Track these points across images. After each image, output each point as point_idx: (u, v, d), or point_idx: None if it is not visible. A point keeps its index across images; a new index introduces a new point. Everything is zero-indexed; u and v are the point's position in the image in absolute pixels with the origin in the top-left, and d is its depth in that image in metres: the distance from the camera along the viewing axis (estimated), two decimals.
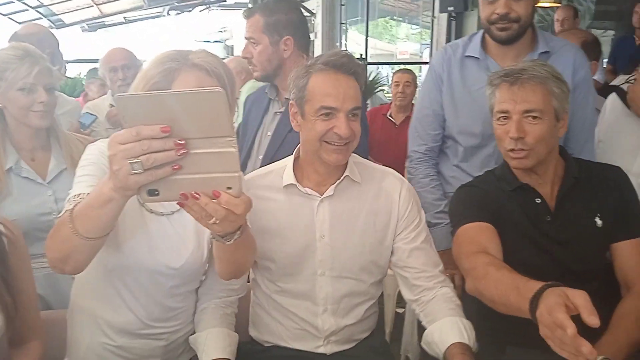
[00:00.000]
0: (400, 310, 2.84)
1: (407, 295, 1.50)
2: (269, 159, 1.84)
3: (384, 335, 1.74)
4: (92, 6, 9.19)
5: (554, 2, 2.90)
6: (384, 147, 3.73)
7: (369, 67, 6.63)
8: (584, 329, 0.97)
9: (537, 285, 1.09)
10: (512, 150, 1.44)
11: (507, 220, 1.49)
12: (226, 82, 1.25)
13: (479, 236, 1.43)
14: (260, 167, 1.83)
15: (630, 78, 1.78)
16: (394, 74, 4.19)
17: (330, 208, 1.45)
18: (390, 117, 3.95)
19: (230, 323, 1.46)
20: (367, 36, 6.50)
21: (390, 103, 4.07)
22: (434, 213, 1.83)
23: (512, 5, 1.67)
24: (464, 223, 1.47)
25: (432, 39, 6.55)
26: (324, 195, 1.45)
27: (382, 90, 7.73)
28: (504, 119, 1.45)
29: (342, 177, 1.45)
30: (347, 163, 1.45)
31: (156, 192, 0.87)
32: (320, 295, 1.47)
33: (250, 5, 12.72)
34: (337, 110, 1.35)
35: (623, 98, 1.91)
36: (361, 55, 6.30)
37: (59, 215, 1.15)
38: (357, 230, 1.46)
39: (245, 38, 1.92)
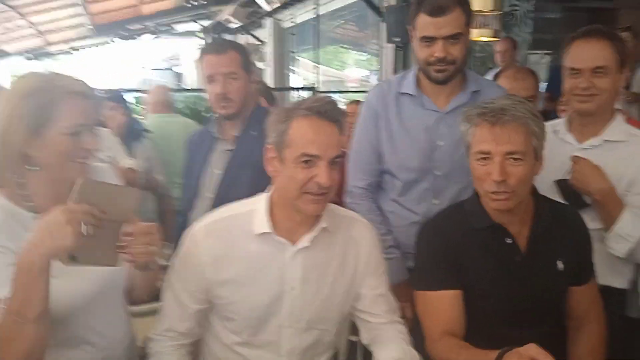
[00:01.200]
0: (354, 339, 2.85)
1: (365, 339, 1.51)
2: (220, 197, 1.84)
3: None
4: (38, 36, 8.96)
5: (493, 37, 3.06)
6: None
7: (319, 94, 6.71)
8: None
9: (494, 354, 1.22)
10: (493, 192, 1.42)
11: (473, 260, 1.50)
12: None
13: (445, 312, 1.48)
14: (213, 205, 1.83)
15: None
16: (347, 105, 4.26)
17: (303, 259, 1.40)
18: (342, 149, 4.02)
19: None
20: (317, 68, 6.59)
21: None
22: (384, 248, 1.85)
23: (449, 49, 1.74)
24: (430, 289, 1.50)
25: (380, 66, 6.72)
26: (298, 246, 1.39)
27: None
28: (484, 159, 1.43)
29: (317, 228, 1.40)
30: None
31: (76, 257, 1.09)
32: (285, 348, 1.43)
33: (201, 35, 12.66)
34: (319, 158, 1.30)
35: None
36: (313, 84, 6.37)
37: None
38: (328, 281, 1.43)
39: (220, 74, 1.90)
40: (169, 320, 1.43)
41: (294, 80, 10.00)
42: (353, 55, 11.37)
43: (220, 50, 1.91)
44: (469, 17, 1.77)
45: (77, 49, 11.59)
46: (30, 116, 1.18)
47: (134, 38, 11.03)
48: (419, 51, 1.80)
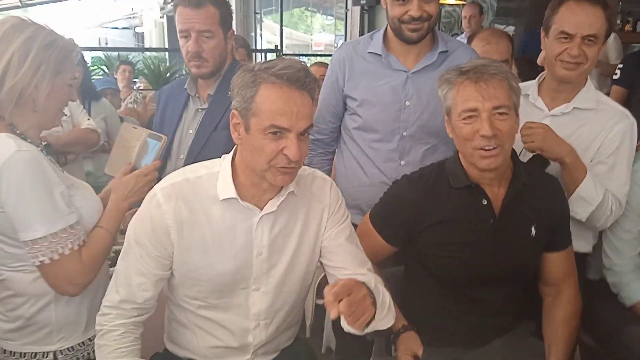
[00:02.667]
0: (320, 302, 2.86)
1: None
2: (192, 159, 1.75)
3: (304, 334, 1.72)
4: None
5: (460, 0, 3.01)
6: None
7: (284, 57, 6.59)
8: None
9: None
10: (482, 149, 1.41)
11: (450, 220, 1.50)
12: None
13: (375, 251, 1.56)
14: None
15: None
16: (310, 66, 4.18)
17: (269, 224, 1.35)
18: None
19: (138, 350, 1.36)
20: (281, 26, 6.43)
21: None
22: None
23: (424, 6, 1.70)
24: (377, 231, 1.58)
25: (345, 30, 6.63)
26: (264, 212, 1.33)
27: None
28: (470, 117, 1.41)
29: (285, 193, 1.34)
30: None
31: None
32: (252, 311, 1.39)
33: None
34: (288, 130, 1.21)
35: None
36: (276, 45, 6.23)
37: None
38: (293, 242, 1.38)
39: (194, 30, 1.76)
40: (126, 291, 1.32)
41: (259, 44, 9.78)
42: (319, 19, 11.20)
43: (198, 3, 1.74)
44: None
45: (29, 5, 11.02)
46: (53, 64, 1.33)
47: None
48: (392, 9, 1.75)
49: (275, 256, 1.37)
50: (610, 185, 1.71)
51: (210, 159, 1.40)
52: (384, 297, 1.34)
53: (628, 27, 5.77)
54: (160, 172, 1.88)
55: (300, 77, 1.21)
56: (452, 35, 5.14)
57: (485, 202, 1.50)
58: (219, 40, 1.79)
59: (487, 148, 1.40)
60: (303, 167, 1.39)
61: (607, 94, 3.71)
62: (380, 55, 1.83)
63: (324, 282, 2.67)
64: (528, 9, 5.93)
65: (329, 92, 1.93)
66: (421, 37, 1.76)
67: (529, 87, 1.85)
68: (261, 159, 1.24)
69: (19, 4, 10.42)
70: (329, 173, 1.97)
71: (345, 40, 6.66)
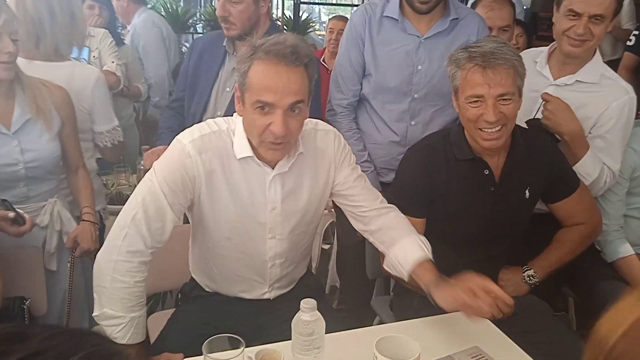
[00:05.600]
0: (326, 247, 3.07)
1: (357, 226, 1.58)
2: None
3: (311, 270, 1.91)
4: None
5: None
6: (316, 89, 3.83)
7: (302, 5, 6.56)
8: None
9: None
10: (485, 130, 1.50)
11: (455, 188, 1.62)
12: None
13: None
14: None
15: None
16: (329, 20, 4.22)
17: (282, 182, 1.45)
18: (323, 63, 4.04)
19: (142, 295, 1.40)
20: None
21: (324, 48, 4.14)
22: (360, 162, 1.96)
23: None
24: (402, 212, 1.58)
25: None
26: (276, 171, 1.43)
27: (314, 28, 7.69)
28: (476, 102, 1.50)
29: (295, 155, 1.43)
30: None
31: None
32: (269, 254, 1.52)
33: None
34: (273, 106, 1.27)
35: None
36: None
37: None
38: (304, 196, 1.49)
39: None
40: (143, 233, 1.36)
41: None
42: None
43: None
44: None
45: None
46: None
47: None
48: None
49: (289, 210, 1.48)
50: (607, 159, 1.83)
51: None
52: (427, 246, 1.50)
53: None
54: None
55: (287, 54, 1.25)
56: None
57: (487, 172, 1.62)
58: (247, 4, 1.87)
59: (489, 130, 1.50)
60: (308, 121, 1.47)
61: (619, 60, 3.77)
62: (397, 19, 1.92)
63: (330, 228, 2.86)
64: None
65: (354, 53, 1.98)
66: (430, 9, 1.86)
67: (539, 54, 1.95)
68: (253, 133, 1.33)
69: None
70: (360, 139, 2.03)
71: None
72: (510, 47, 1.52)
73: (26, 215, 1.64)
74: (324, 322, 1.19)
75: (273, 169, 1.44)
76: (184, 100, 2.10)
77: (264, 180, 1.44)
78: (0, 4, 1.59)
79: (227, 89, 1.96)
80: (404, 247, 1.48)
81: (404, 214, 1.58)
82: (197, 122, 1.72)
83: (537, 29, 4.64)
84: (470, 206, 1.64)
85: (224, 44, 1.99)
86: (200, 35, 5.64)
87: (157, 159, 1.44)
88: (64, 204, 1.88)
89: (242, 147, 1.40)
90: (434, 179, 1.63)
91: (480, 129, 1.53)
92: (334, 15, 4.50)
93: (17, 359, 0.33)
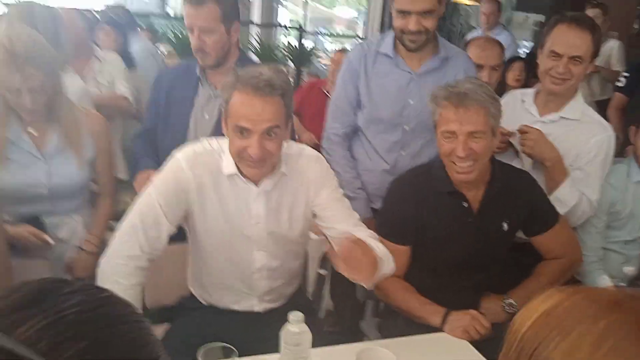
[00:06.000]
0: (323, 272, 3.15)
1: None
2: None
3: (306, 294, 2.00)
4: None
5: (474, 1, 3.20)
6: (317, 118, 3.92)
7: (307, 35, 6.76)
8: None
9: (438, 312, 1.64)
10: (458, 165, 1.63)
11: (434, 217, 1.73)
12: None
13: (400, 259, 1.69)
14: None
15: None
16: (334, 54, 4.37)
17: (265, 199, 1.58)
18: (325, 92, 4.18)
19: (138, 299, 1.54)
20: (305, 6, 6.57)
21: (326, 78, 4.29)
22: (353, 189, 2.08)
23: (422, 22, 1.91)
24: (387, 238, 1.68)
25: (369, 6, 6.79)
26: (260, 189, 1.57)
27: (318, 57, 7.87)
28: (449, 137, 1.63)
29: (277, 174, 1.57)
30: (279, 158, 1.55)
31: None
32: (255, 265, 1.65)
33: None
34: (250, 131, 1.43)
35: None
36: (300, 25, 6.41)
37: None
38: (286, 213, 1.62)
39: (196, 27, 1.92)
40: (140, 239, 1.50)
41: (282, 15, 9.88)
42: None
43: (199, 2, 1.90)
44: None
45: None
46: None
47: None
48: (395, 20, 1.98)
49: (272, 224, 1.61)
50: (586, 190, 1.94)
51: None
52: (380, 247, 1.55)
53: None
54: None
55: (261, 87, 1.41)
56: (470, 29, 5.32)
57: (465, 204, 1.73)
58: (220, 34, 1.95)
59: (460, 165, 1.62)
60: (291, 144, 1.63)
61: (609, 100, 3.91)
62: (391, 56, 2.06)
63: (326, 255, 2.95)
64: (549, 1, 6.03)
65: (350, 86, 2.10)
66: (419, 48, 1.98)
67: (527, 94, 2.09)
68: (233, 152, 1.49)
69: None
70: (353, 166, 2.13)
71: (368, 16, 6.83)
72: (486, 89, 1.63)
73: (51, 241, 1.75)
74: (310, 334, 1.28)
75: (257, 186, 1.56)
76: (155, 131, 2.14)
77: (249, 197, 1.57)
78: (20, 58, 1.63)
79: (206, 116, 2.05)
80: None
81: (389, 241, 1.68)
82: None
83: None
84: (451, 236, 1.74)
85: (198, 74, 2.06)
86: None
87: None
88: (86, 221, 1.96)
89: (228, 165, 1.55)
90: (417, 209, 1.74)
91: (453, 162, 1.64)
92: (339, 49, 4.68)
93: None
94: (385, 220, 1.81)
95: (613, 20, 4.55)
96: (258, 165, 1.49)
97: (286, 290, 1.77)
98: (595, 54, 1.91)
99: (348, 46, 5.98)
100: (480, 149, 1.61)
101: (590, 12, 4.32)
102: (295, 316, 1.26)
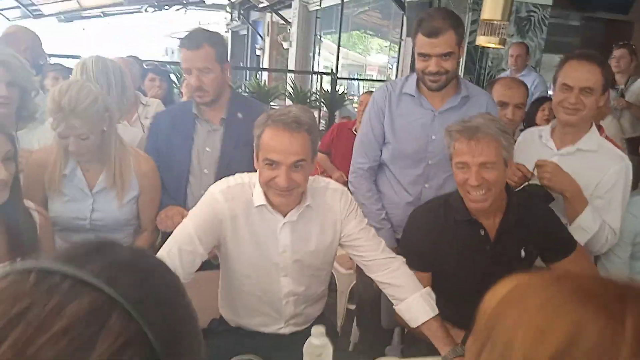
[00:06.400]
0: (352, 307, 3.20)
1: (368, 274, 1.79)
2: (223, 171, 2.09)
3: (334, 321, 2.08)
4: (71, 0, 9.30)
5: (500, 45, 3.33)
6: (347, 157, 4.06)
7: (339, 80, 6.98)
8: None
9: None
10: (472, 195, 1.71)
11: (452, 245, 1.80)
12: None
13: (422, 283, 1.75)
14: (214, 180, 2.04)
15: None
16: (361, 95, 4.55)
17: (290, 229, 1.70)
18: (354, 132, 4.33)
19: None
20: (338, 53, 6.83)
21: (356, 119, 4.45)
22: (378, 220, 2.18)
23: (442, 63, 2.03)
24: (410, 267, 1.77)
25: (398, 56, 7.01)
26: (286, 219, 1.69)
27: (351, 101, 8.10)
28: (463, 168, 1.72)
29: (303, 206, 1.68)
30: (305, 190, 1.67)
31: None
32: (283, 291, 1.75)
33: (228, 10, 12.77)
34: (279, 163, 1.56)
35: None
36: (332, 70, 6.65)
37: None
38: (312, 243, 1.73)
39: (195, 68, 2.08)
40: (176, 263, 1.60)
41: (318, 63, 10.23)
42: (377, 41, 11.56)
43: (195, 46, 2.06)
44: (461, 37, 2.05)
45: (109, 15, 11.91)
46: None
47: (165, 8, 11.33)
48: (417, 63, 2.11)
49: (299, 253, 1.72)
50: (607, 217, 1.98)
51: (236, 170, 1.78)
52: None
53: None
54: (187, 186, 2.20)
55: (290, 122, 1.55)
56: (499, 71, 5.43)
57: (482, 232, 1.80)
58: (217, 74, 2.12)
59: (474, 193, 1.71)
60: (318, 179, 1.78)
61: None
62: (414, 95, 2.18)
63: (355, 288, 3.02)
64: (578, 44, 6.12)
65: (375, 124, 2.23)
66: (440, 87, 2.10)
67: (543, 130, 2.17)
68: (263, 181, 1.61)
69: (101, 14, 11.30)
70: (378, 199, 2.25)
71: (398, 63, 7.05)
72: (497, 124, 1.72)
73: None
74: (331, 347, 1.36)
75: (284, 217, 1.68)
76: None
77: (276, 227, 1.69)
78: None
79: (208, 149, 2.20)
80: (410, 306, 1.70)
81: (411, 268, 1.77)
82: (184, 182, 2.14)
83: None
84: (469, 263, 1.80)
85: (194, 111, 2.20)
86: None
87: (171, 222, 1.87)
88: None
89: (259, 197, 1.67)
90: (436, 238, 1.82)
91: (467, 191, 1.73)
92: (366, 91, 4.86)
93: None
94: (406, 249, 1.89)
95: None
96: (285, 195, 1.61)
97: (311, 314, 1.86)
98: (606, 86, 1.99)
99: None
100: (492, 178, 1.69)
101: (618, 52, 4.40)
102: (317, 329, 1.35)
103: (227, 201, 1.67)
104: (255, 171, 1.69)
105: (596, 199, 2.00)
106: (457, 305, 1.82)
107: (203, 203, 1.70)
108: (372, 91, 4.61)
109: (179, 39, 2.21)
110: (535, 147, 2.12)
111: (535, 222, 1.83)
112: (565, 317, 0.47)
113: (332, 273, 2.17)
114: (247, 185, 1.71)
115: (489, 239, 1.81)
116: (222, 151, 2.18)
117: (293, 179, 1.58)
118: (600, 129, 2.17)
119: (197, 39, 2.09)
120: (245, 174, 1.76)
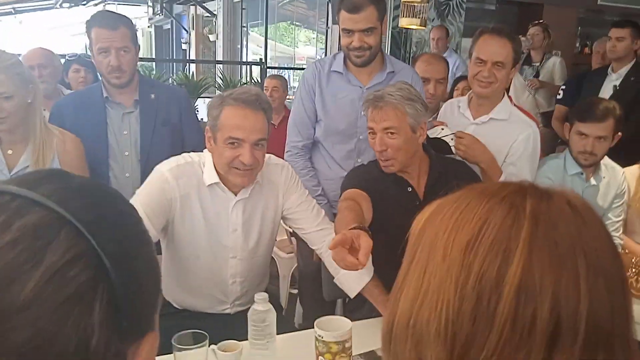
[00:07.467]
0: (294, 291, 3.24)
1: (312, 246, 1.85)
2: (147, 153, 2.14)
3: (281, 310, 2.09)
4: None
5: (421, 26, 3.45)
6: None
7: (269, 70, 6.98)
8: None
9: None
10: (380, 159, 1.83)
11: (383, 201, 1.86)
12: None
13: (354, 193, 1.82)
14: (141, 161, 2.15)
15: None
16: (266, 79, 4.43)
17: (242, 207, 1.72)
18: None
19: None
20: (266, 40, 6.83)
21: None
22: (314, 196, 2.19)
23: (364, 39, 2.11)
24: (349, 188, 1.85)
25: (326, 44, 7.09)
26: (238, 197, 1.71)
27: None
28: (372, 134, 1.84)
29: (254, 184, 1.72)
30: None
31: None
32: (229, 272, 1.76)
33: (149, 3, 12.38)
34: (243, 141, 1.57)
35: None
36: (261, 59, 6.64)
37: None
38: (259, 220, 1.76)
39: (114, 47, 2.09)
40: None
41: (245, 55, 10.15)
42: (304, 33, 11.61)
43: (115, 26, 2.10)
44: (383, 13, 2.13)
45: (20, 11, 11.28)
46: None
47: (83, 4, 10.86)
48: (342, 39, 2.19)
49: (247, 232, 1.74)
50: None
51: (161, 150, 1.82)
52: None
53: (587, 50, 6.31)
54: (107, 170, 2.18)
55: (252, 100, 1.58)
56: (424, 53, 5.62)
57: (410, 189, 1.90)
58: (132, 54, 2.17)
59: (380, 158, 1.83)
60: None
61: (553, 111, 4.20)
62: (342, 73, 2.25)
63: (295, 272, 3.05)
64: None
65: (307, 102, 2.28)
66: (365, 63, 2.18)
67: (462, 100, 2.31)
68: (223, 162, 1.61)
69: (12, 10, 10.68)
70: (314, 175, 2.31)
71: (326, 53, 7.13)
72: (404, 92, 1.80)
73: None
74: (274, 313, 1.39)
75: (236, 195, 1.68)
76: None
77: (228, 205, 1.70)
78: None
79: (125, 132, 2.21)
80: (346, 277, 1.73)
81: (352, 188, 1.81)
82: (105, 168, 2.10)
83: None
84: (402, 220, 1.86)
85: (104, 95, 2.21)
86: None
87: None
88: None
89: (210, 176, 1.68)
90: (370, 188, 1.87)
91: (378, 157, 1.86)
92: (269, 75, 4.84)
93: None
94: (347, 181, 1.94)
95: (557, 39, 4.91)
96: (248, 174, 1.63)
97: (255, 293, 1.87)
98: (516, 60, 2.14)
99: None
100: (395, 144, 1.79)
101: (532, 30, 4.67)
102: (260, 296, 1.38)
103: (176, 179, 1.65)
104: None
105: (509, 166, 2.14)
106: (393, 265, 1.90)
107: (151, 182, 1.67)
108: (276, 75, 4.61)
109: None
110: (454, 116, 2.25)
111: (459, 178, 1.93)
112: (475, 210, 0.53)
113: (272, 259, 2.20)
114: (197, 164, 1.70)
115: (417, 196, 1.91)
116: (141, 132, 2.19)
117: (255, 157, 1.59)
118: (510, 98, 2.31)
119: (114, 19, 2.13)
120: (193, 153, 1.75)
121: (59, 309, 0.42)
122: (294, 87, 9.19)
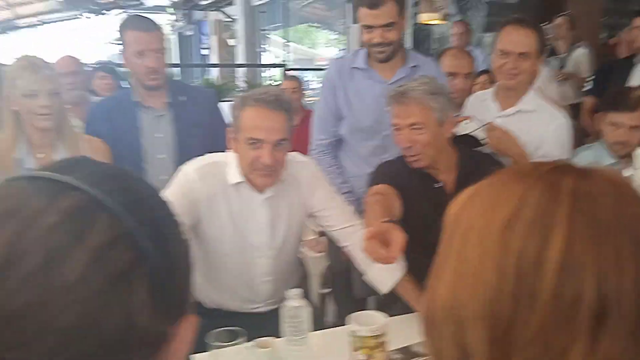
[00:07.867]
0: (324, 292, 3.23)
1: (340, 244, 1.83)
2: (179, 156, 2.13)
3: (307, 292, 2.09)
4: (7, 9, 8.95)
5: (442, 20, 3.42)
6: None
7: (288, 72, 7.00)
8: None
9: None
10: (407, 155, 1.80)
11: (411, 197, 1.83)
12: None
13: (382, 188, 1.80)
14: (172, 164, 2.11)
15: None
16: (283, 82, 4.47)
17: (268, 206, 1.71)
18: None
19: None
20: (286, 45, 6.85)
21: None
22: (342, 194, 2.19)
23: (385, 34, 2.10)
24: (376, 184, 1.83)
25: (347, 45, 7.09)
26: (264, 196, 1.70)
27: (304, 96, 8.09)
28: (397, 130, 1.82)
29: (278, 182, 1.70)
30: None
31: None
32: (259, 272, 1.76)
33: (171, 10, 12.57)
34: (263, 141, 1.56)
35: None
36: (283, 61, 6.66)
37: None
38: (285, 218, 1.75)
39: (151, 50, 2.13)
40: None
41: (266, 58, 10.20)
42: (324, 34, 11.63)
43: (150, 28, 2.15)
44: (402, 7, 2.13)
45: (47, 22, 11.53)
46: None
47: (103, 13, 11.04)
48: (362, 35, 2.19)
49: (274, 230, 1.73)
50: None
51: (193, 152, 1.79)
52: None
53: (612, 41, 6.16)
54: (141, 174, 2.16)
55: (273, 100, 1.58)
56: (446, 49, 5.56)
57: (437, 185, 1.88)
58: (167, 57, 2.23)
59: (407, 153, 1.81)
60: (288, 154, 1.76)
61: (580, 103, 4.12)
62: (364, 69, 2.24)
63: (327, 272, 3.05)
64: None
65: (330, 100, 2.28)
66: (387, 58, 2.17)
67: (488, 93, 2.27)
68: (245, 163, 1.61)
69: (38, 22, 10.91)
70: (341, 173, 2.30)
71: (347, 53, 7.12)
72: (428, 86, 1.78)
73: None
74: (309, 309, 1.39)
75: (261, 194, 1.70)
76: None
77: (254, 204, 1.70)
78: (38, 64, 1.85)
79: (157, 135, 2.22)
80: (376, 273, 1.71)
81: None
82: (139, 172, 1.98)
83: None
84: (427, 215, 1.82)
85: (136, 99, 2.22)
86: None
87: None
88: None
89: (235, 175, 1.68)
90: (398, 184, 1.85)
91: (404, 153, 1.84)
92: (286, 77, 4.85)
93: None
94: (374, 178, 1.93)
95: (582, 30, 4.81)
96: (269, 174, 1.62)
97: (285, 291, 1.87)
98: (541, 51, 2.09)
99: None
100: (422, 139, 1.77)
101: (557, 20, 4.59)
102: (294, 292, 1.38)
103: (202, 179, 1.66)
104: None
105: (540, 159, 2.09)
106: (420, 261, 1.88)
107: (178, 183, 1.68)
108: (292, 76, 4.63)
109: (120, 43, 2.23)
110: (481, 109, 2.21)
111: (486, 172, 1.90)
112: (511, 190, 0.52)
113: (301, 260, 2.20)
114: (221, 164, 1.70)
115: (445, 192, 1.87)
116: (177, 134, 2.21)
117: (276, 158, 1.59)
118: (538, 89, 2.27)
119: (148, 22, 2.17)
120: (218, 153, 1.76)
121: (105, 289, 0.42)
122: (316, 89, 9.22)
